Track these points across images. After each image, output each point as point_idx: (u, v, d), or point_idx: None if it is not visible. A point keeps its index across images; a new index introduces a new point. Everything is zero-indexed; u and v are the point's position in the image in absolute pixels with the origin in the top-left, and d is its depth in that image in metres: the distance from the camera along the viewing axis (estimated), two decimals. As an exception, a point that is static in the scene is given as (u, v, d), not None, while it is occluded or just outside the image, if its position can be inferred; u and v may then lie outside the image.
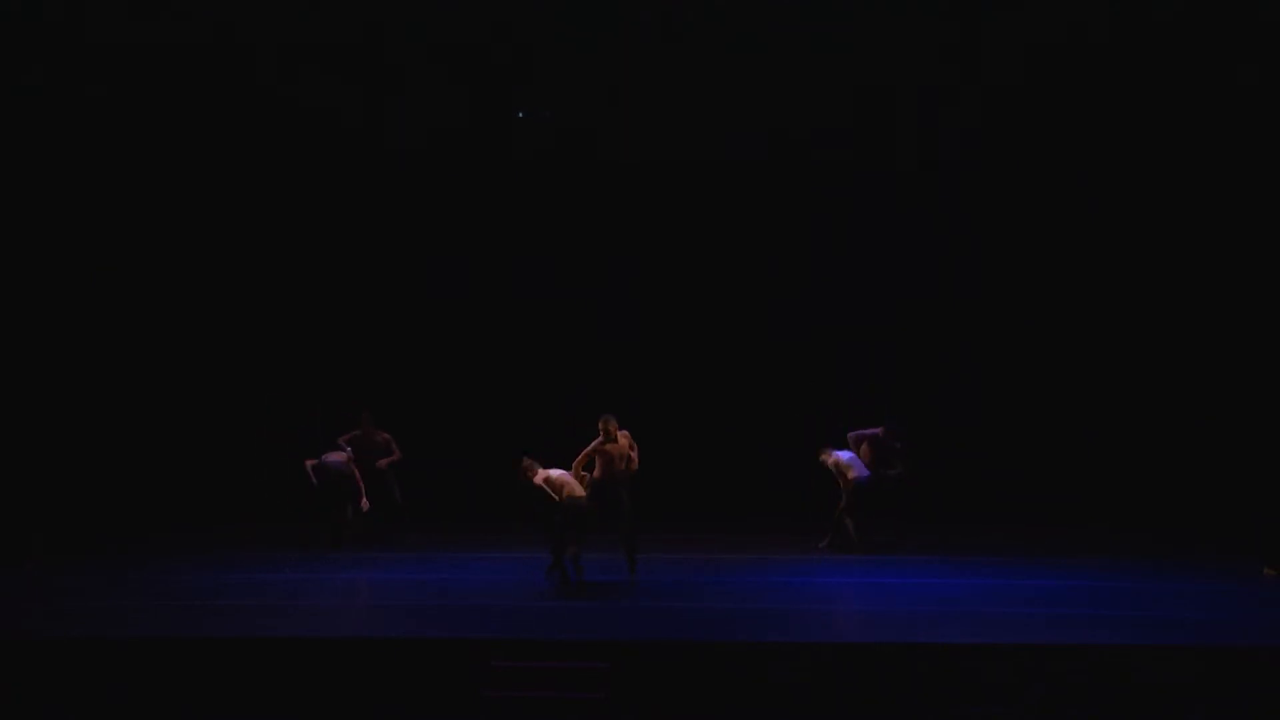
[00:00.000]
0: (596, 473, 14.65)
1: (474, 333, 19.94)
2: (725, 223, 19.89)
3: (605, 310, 19.73)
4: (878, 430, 16.63)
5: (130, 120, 19.12)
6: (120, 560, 15.84)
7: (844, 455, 16.37)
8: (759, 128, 19.17)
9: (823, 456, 16.47)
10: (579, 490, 14.38)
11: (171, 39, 18.64)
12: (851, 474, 16.20)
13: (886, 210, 19.48)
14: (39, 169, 18.81)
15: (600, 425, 14.65)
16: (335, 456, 16.57)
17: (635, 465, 14.78)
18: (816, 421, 17.73)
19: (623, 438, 14.74)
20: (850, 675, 11.51)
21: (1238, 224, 18.87)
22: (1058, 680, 11.43)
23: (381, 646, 11.78)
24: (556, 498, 14.26)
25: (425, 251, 19.84)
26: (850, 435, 16.65)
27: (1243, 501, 17.25)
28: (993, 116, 19.15)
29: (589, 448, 14.63)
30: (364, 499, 16.54)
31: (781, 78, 18.69)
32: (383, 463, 16.98)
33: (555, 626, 12.48)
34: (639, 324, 19.75)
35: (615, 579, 14.58)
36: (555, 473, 14.46)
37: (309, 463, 16.54)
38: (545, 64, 19.12)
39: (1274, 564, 15.29)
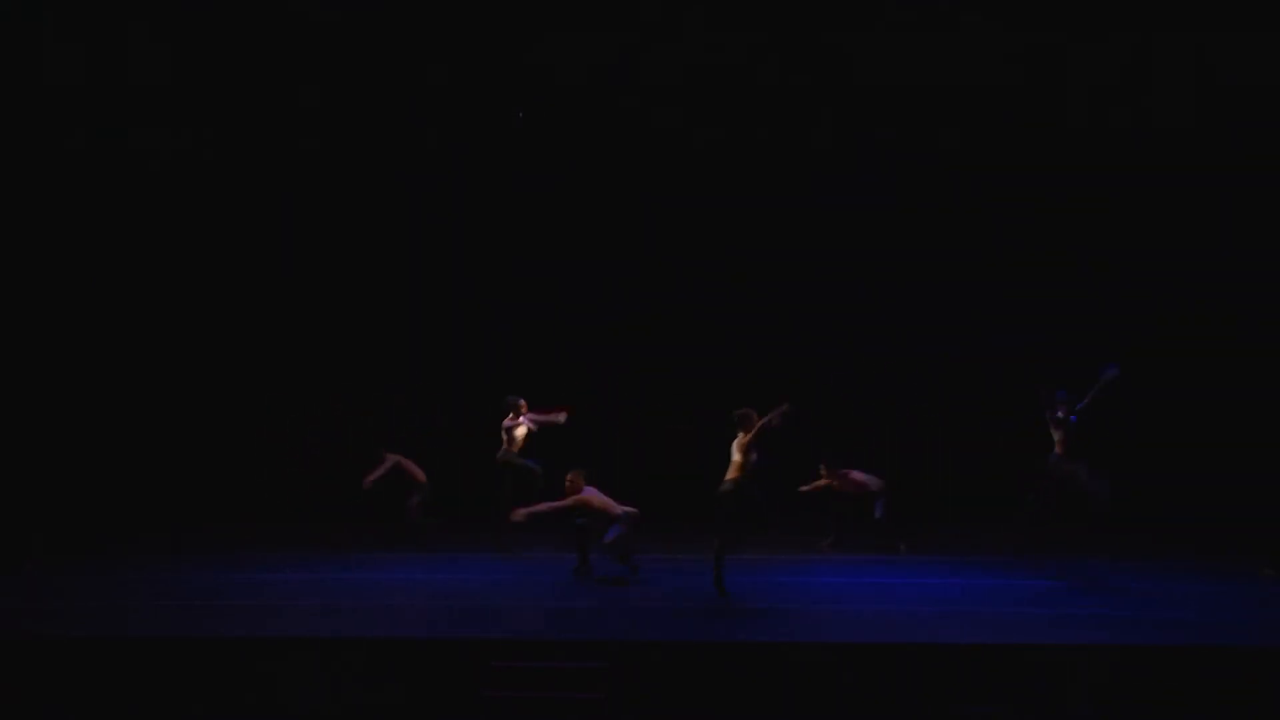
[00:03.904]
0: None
1: (472, 332, 19.93)
2: (727, 224, 19.89)
3: (606, 309, 19.71)
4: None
5: (129, 121, 19.12)
6: (120, 560, 15.83)
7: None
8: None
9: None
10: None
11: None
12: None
13: (889, 209, 19.48)
14: (37, 167, 18.81)
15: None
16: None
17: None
18: (816, 423, 17.75)
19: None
20: (850, 675, 11.52)
21: (1239, 226, 18.89)
22: (1058, 680, 11.44)
23: (382, 646, 11.79)
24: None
25: (421, 250, 19.84)
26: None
27: (1243, 501, 17.26)
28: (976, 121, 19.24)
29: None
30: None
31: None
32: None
33: (555, 626, 12.49)
34: (639, 324, 19.74)
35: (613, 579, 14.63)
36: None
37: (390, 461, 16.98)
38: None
39: (1274, 564, 15.30)
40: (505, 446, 16.54)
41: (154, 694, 11.52)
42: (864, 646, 11.84)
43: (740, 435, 13.85)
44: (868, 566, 15.73)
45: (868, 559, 16.10)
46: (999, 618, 13.00)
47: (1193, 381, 18.86)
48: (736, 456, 13.82)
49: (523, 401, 16.75)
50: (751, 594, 14.09)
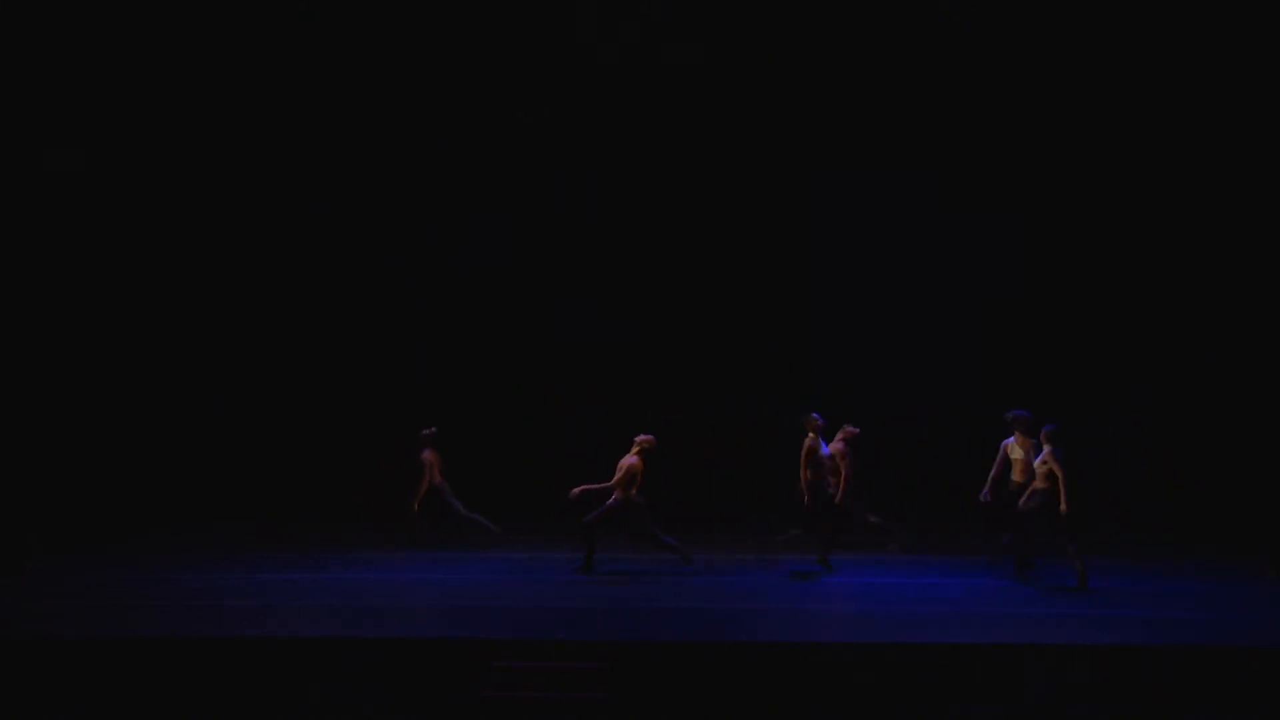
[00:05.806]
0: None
1: (471, 334, 19.94)
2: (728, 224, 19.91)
3: (607, 310, 19.72)
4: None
5: (129, 121, 19.12)
6: (120, 560, 15.82)
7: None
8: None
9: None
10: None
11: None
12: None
13: (886, 210, 19.49)
14: (37, 167, 18.81)
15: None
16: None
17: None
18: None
19: None
20: (850, 675, 11.52)
21: (1243, 227, 18.90)
22: (1057, 680, 11.44)
23: (382, 646, 11.79)
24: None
25: (421, 252, 19.85)
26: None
27: (1246, 501, 17.26)
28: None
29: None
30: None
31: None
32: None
33: (555, 626, 12.48)
34: (639, 325, 19.74)
35: (616, 579, 14.61)
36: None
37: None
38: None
39: (1275, 564, 15.28)
40: (812, 476, 14.76)
41: (154, 694, 11.51)
42: (864, 646, 11.84)
43: (1018, 435, 14.48)
44: (867, 566, 15.72)
45: (866, 559, 16.10)
46: (999, 618, 13.01)
47: (1195, 380, 18.87)
48: (1019, 456, 14.51)
49: (815, 415, 14.60)
50: (751, 594, 14.10)
